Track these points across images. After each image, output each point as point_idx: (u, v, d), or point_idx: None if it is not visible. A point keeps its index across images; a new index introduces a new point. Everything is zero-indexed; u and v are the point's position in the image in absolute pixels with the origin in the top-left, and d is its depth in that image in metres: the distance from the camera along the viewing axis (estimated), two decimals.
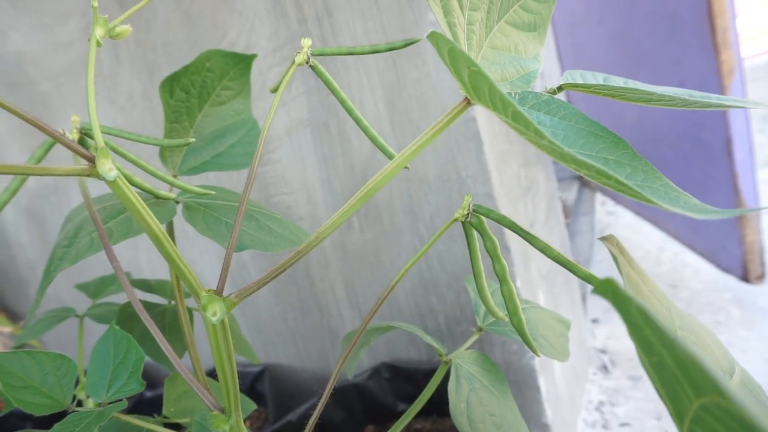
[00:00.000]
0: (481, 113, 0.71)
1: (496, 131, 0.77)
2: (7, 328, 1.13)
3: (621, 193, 0.21)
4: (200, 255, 0.95)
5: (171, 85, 0.44)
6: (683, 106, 0.26)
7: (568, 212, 1.65)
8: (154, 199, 0.38)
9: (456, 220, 0.29)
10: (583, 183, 1.93)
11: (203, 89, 0.45)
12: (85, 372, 0.50)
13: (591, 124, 0.25)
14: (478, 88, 0.21)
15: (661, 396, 0.17)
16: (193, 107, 0.45)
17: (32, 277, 1.14)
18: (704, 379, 0.14)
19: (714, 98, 0.24)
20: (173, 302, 0.51)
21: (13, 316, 1.21)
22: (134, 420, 0.36)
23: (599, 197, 1.84)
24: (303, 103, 0.78)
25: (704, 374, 0.13)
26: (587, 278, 0.26)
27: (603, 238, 0.23)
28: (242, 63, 0.45)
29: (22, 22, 0.93)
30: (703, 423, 0.15)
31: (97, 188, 0.97)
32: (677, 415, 0.17)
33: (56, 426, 0.30)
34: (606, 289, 0.14)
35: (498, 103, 0.20)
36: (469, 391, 0.37)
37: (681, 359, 0.13)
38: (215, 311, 0.27)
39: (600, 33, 1.41)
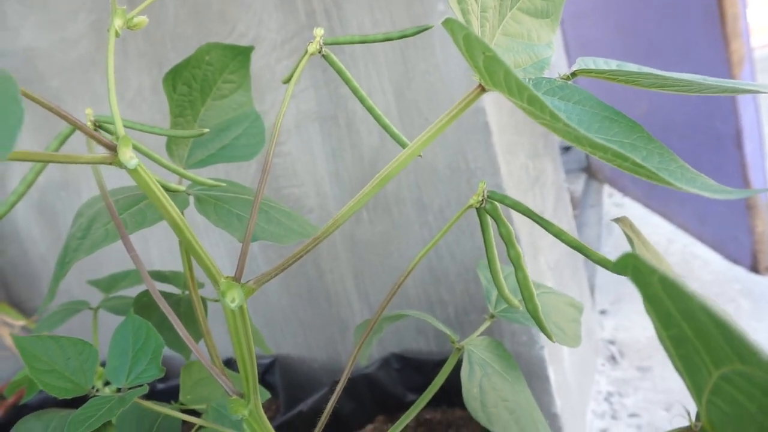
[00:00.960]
0: (489, 104, 0.71)
1: (505, 123, 0.77)
2: (20, 322, 1.14)
3: (637, 176, 0.21)
4: (210, 248, 0.96)
5: (173, 78, 0.44)
6: (698, 91, 0.26)
7: (576, 204, 1.65)
8: (165, 191, 0.38)
9: (471, 206, 0.29)
10: (591, 175, 1.92)
11: (205, 83, 0.45)
12: (102, 364, 0.51)
13: (605, 109, 0.25)
14: (493, 73, 0.21)
15: (678, 370, 0.17)
16: (195, 101, 0.45)
17: (44, 271, 1.15)
18: (737, 344, 0.13)
19: (729, 83, 0.24)
20: (187, 292, 0.52)
21: (25, 310, 1.23)
22: (153, 405, 0.36)
23: (607, 189, 1.84)
24: (311, 96, 0.78)
25: (738, 337, 0.13)
26: (602, 262, 0.27)
27: (617, 220, 0.23)
28: (241, 55, 0.45)
29: (32, 19, 0.93)
30: (723, 393, 0.15)
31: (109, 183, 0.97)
32: (695, 389, 0.17)
33: (80, 409, 0.31)
34: (626, 263, 0.14)
35: (513, 88, 0.20)
36: (482, 377, 0.37)
37: (701, 330, 0.13)
38: (234, 297, 0.28)
39: (606, 24, 1.40)
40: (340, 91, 0.76)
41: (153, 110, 0.89)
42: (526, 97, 0.19)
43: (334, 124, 0.78)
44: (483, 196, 0.29)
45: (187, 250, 0.27)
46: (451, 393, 0.81)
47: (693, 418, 0.19)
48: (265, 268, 0.94)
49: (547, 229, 0.28)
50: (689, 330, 0.14)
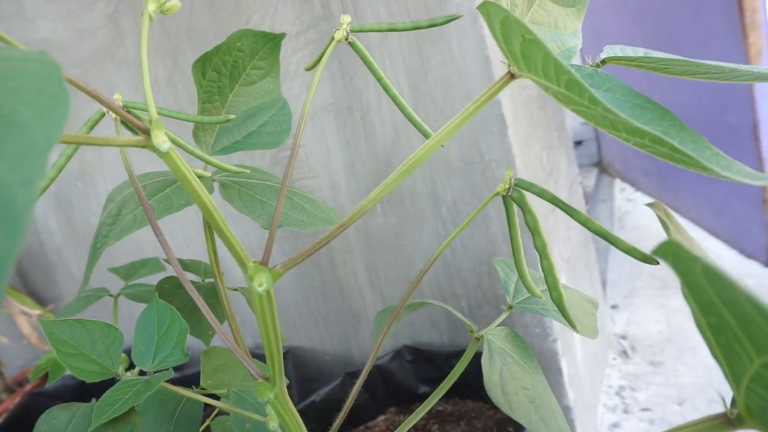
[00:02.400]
0: (504, 96, 0.71)
1: (520, 114, 0.76)
2: (36, 311, 1.16)
3: (672, 162, 0.21)
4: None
5: (203, 65, 0.44)
6: (729, 78, 0.26)
7: (587, 199, 1.64)
8: None
9: (497, 194, 0.29)
10: (602, 170, 1.91)
11: (234, 69, 0.45)
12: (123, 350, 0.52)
13: (636, 96, 0.25)
14: (530, 57, 0.21)
15: (716, 358, 0.18)
16: (224, 87, 0.46)
17: (60, 261, 1.16)
18: None
19: (765, 69, 0.24)
20: (206, 280, 0.52)
21: (42, 300, 1.25)
22: (177, 389, 0.37)
23: (618, 184, 1.82)
24: (327, 88, 0.78)
25: None
26: (629, 251, 0.27)
27: (650, 204, 0.23)
28: (271, 42, 0.45)
29: (50, 10, 0.94)
30: (764, 380, 0.15)
31: (114, 178, 0.98)
32: (733, 377, 0.17)
33: (108, 392, 0.31)
34: (666, 250, 0.14)
35: (551, 72, 0.20)
36: (502, 366, 0.38)
37: (744, 317, 0.13)
38: (262, 281, 0.28)
39: (623, 15, 1.38)
40: (355, 83, 0.76)
41: (168, 102, 0.90)
42: (564, 82, 0.19)
43: (348, 116, 0.78)
44: (510, 183, 0.29)
45: (218, 234, 0.28)
46: (463, 385, 0.81)
47: (728, 405, 0.19)
48: (279, 259, 0.95)
49: (573, 217, 0.28)
50: (731, 318, 0.14)
